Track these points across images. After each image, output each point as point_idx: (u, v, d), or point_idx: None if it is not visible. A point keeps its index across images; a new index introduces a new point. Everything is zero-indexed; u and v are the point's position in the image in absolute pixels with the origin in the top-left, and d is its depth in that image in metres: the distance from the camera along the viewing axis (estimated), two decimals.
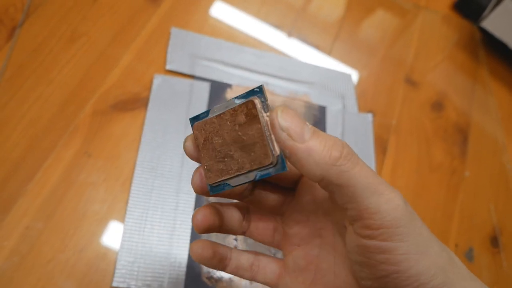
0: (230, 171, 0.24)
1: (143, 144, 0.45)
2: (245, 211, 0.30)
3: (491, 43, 0.77)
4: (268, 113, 0.23)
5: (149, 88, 0.49)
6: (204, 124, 0.25)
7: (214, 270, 0.41)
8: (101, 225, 0.40)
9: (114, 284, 0.37)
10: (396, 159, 0.58)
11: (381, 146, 0.58)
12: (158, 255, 0.40)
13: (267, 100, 0.23)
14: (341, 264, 0.27)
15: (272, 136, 0.23)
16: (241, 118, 0.23)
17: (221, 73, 0.53)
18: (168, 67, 0.51)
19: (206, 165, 0.25)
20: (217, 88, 0.52)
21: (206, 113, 0.25)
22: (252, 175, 0.24)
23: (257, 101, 0.23)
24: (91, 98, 0.47)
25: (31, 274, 0.37)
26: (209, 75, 0.52)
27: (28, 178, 0.41)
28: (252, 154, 0.23)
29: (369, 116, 0.58)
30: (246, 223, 0.30)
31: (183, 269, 0.40)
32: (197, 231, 0.27)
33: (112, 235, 0.40)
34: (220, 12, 0.60)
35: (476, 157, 0.63)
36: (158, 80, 0.50)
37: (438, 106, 0.66)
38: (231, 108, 0.24)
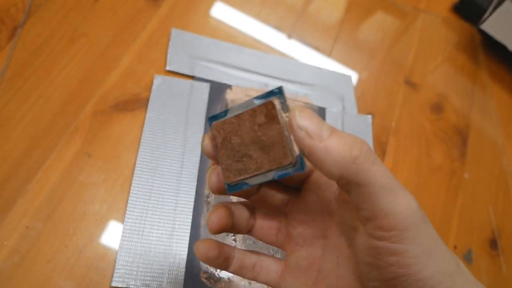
0: (249, 171, 0.25)
1: (143, 145, 0.45)
2: (251, 210, 0.30)
3: (491, 45, 0.77)
4: (287, 114, 0.23)
5: (149, 89, 0.49)
6: (222, 124, 0.25)
7: (213, 270, 0.41)
8: (101, 225, 0.41)
9: (113, 284, 0.38)
10: (395, 160, 0.58)
11: (380, 148, 0.58)
12: (157, 255, 0.40)
13: (286, 101, 0.23)
14: (344, 265, 0.27)
15: (291, 136, 0.23)
16: (261, 118, 0.23)
17: (221, 74, 0.54)
18: (168, 67, 0.51)
19: (224, 165, 0.26)
20: (217, 89, 0.52)
21: (225, 112, 0.26)
22: (270, 174, 0.24)
23: (276, 102, 0.23)
24: (92, 99, 0.47)
25: (31, 274, 0.37)
26: (209, 76, 0.53)
27: (28, 178, 0.41)
28: (271, 154, 0.23)
29: (369, 118, 0.59)
30: (251, 222, 0.30)
31: (182, 269, 0.40)
32: (212, 232, 0.28)
33: (112, 235, 0.40)
34: (221, 13, 0.60)
35: (475, 159, 0.63)
36: (158, 80, 0.50)
37: (437, 108, 0.66)
38: (250, 109, 0.24)
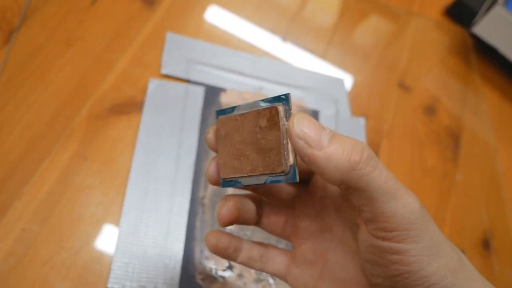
0: (243, 170, 0.25)
1: (138, 148, 0.46)
2: (259, 202, 0.31)
3: (483, 48, 0.78)
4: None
5: (144, 92, 0.50)
6: (227, 120, 0.26)
7: (208, 271, 0.41)
8: (97, 227, 0.41)
9: (109, 285, 0.38)
10: (388, 162, 0.58)
11: (373, 150, 0.58)
12: (152, 257, 0.40)
13: (291, 109, 0.23)
14: (350, 259, 0.27)
15: (289, 145, 0.23)
16: (263, 121, 0.24)
17: (215, 78, 0.54)
18: (163, 71, 0.52)
19: (222, 159, 0.26)
20: (212, 93, 0.52)
21: (232, 109, 0.26)
22: (263, 178, 0.24)
23: (280, 109, 0.23)
24: (87, 102, 0.47)
25: (27, 276, 0.37)
26: (203, 79, 0.53)
27: (25, 181, 0.41)
28: (267, 159, 0.24)
29: (362, 120, 0.59)
30: (259, 214, 0.31)
31: (178, 270, 0.40)
32: (222, 225, 0.28)
33: (108, 237, 0.41)
34: (215, 17, 0.61)
35: (468, 161, 0.64)
36: (153, 84, 0.50)
37: (430, 110, 0.67)
38: (255, 110, 0.24)
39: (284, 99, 0.23)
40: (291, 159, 0.23)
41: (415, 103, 0.67)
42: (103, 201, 0.42)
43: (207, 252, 0.42)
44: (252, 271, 0.42)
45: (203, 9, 0.61)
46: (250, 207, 0.30)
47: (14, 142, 0.43)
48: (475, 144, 0.67)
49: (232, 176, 0.26)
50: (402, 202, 0.22)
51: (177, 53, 0.54)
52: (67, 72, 0.48)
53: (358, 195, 0.22)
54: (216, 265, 0.42)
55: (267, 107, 0.24)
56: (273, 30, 0.64)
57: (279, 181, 0.24)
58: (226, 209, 0.28)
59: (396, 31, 0.75)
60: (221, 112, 0.26)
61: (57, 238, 0.39)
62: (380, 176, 0.21)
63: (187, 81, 0.52)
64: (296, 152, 0.23)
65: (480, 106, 0.72)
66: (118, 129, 0.47)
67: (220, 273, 0.41)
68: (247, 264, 0.30)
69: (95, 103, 0.47)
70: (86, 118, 0.46)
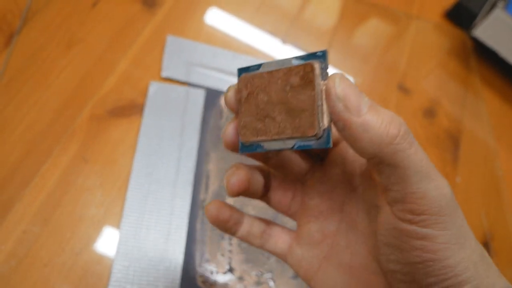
0: (268, 133, 0.23)
1: (139, 151, 0.46)
2: (267, 175, 0.29)
3: (483, 51, 0.78)
4: (324, 82, 0.21)
5: (145, 94, 0.50)
6: (252, 78, 0.23)
7: (209, 274, 0.41)
8: (98, 229, 0.41)
9: None
10: None
11: None
12: (153, 259, 0.40)
13: (327, 68, 0.21)
14: (360, 243, 0.26)
15: (324, 107, 0.21)
16: (295, 79, 0.21)
17: (216, 80, 0.54)
18: (163, 74, 0.52)
19: (243, 121, 0.24)
20: (212, 95, 0.52)
21: (258, 66, 0.23)
22: (290, 143, 0.22)
23: (317, 66, 0.21)
24: (88, 104, 0.47)
25: (28, 278, 0.37)
26: (204, 82, 0.53)
27: (26, 183, 0.41)
28: (297, 120, 0.21)
29: None
30: (265, 188, 0.29)
31: (178, 273, 0.40)
32: (230, 194, 0.26)
33: (108, 240, 0.41)
34: (216, 19, 0.61)
35: (467, 164, 0.64)
36: (154, 87, 0.50)
37: (430, 113, 0.67)
38: (286, 67, 0.22)
39: (320, 56, 0.21)
40: (325, 122, 0.21)
41: (415, 106, 0.67)
42: (103, 203, 0.42)
43: (207, 255, 0.42)
44: (253, 273, 0.42)
45: (203, 12, 0.61)
46: (258, 179, 0.28)
47: (15, 144, 0.43)
48: (474, 147, 0.67)
49: (254, 140, 0.23)
50: (435, 184, 0.20)
51: (177, 55, 0.54)
52: (68, 74, 0.48)
53: (389, 171, 0.20)
54: (216, 268, 0.42)
55: (301, 64, 0.21)
56: (273, 33, 0.64)
57: (309, 146, 0.21)
58: (237, 178, 0.26)
59: (396, 34, 0.75)
60: (244, 70, 0.24)
61: (58, 240, 0.39)
62: (416, 154, 0.20)
63: (188, 83, 0.53)
64: (331, 115, 0.20)
65: (480, 109, 0.72)
66: (119, 131, 0.47)
67: (221, 276, 0.41)
68: (246, 239, 0.29)
69: (96, 105, 0.48)
70: (87, 120, 0.46)
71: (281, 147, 0.22)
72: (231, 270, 0.42)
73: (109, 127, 0.47)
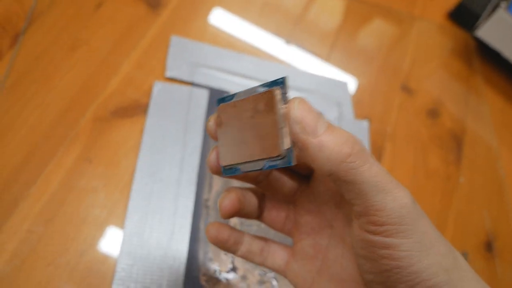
0: (242, 157, 0.25)
1: (143, 150, 0.46)
2: (261, 196, 0.31)
3: (485, 52, 0.78)
4: (285, 105, 0.23)
5: (149, 95, 0.50)
6: (227, 107, 0.25)
7: (212, 273, 0.41)
8: (101, 229, 0.41)
9: (114, 287, 0.38)
10: (391, 165, 0.58)
11: (376, 153, 0.59)
12: (157, 259, 0.41)
13: (287, 93, 0.23)
14: (349, 256, 0.27)
15: (285, 129, 0.23)
16: (261, 106, 0.23)
17: (219, 81, 0.54)
18: (167, 74, 0.52)
19: (222, 147, 0.26)
20: (216, 95, 0.53)
21: (232, 96, 0.26)
22: (261, 164, 0.24)
23: (277, 92, 0.23)
24: (92, 105, 0.48)
25: (32, 277, 0.37)
26: (208, 82, 0.53)
27: (30, 183, 0.41)
28: (264, 143, 0.23)
29: (365, 123, 0.59)
30: (260, 208, 0.31)
31: (182, 272, 0.40)
32: (224, 217, 0.28)
33: (112, 239, 0.41)
34: (220, 20, 0.61)
35: (470, 164, 0.64)
36: (158, 87, 0.50)
37: (433, 113, 0.67)
38: (254, 95, 0.24)
39: (280, 82, 0.23)
40: (287, 143, 0.23)
41: (418, 106, 0.67)
42: (107, 204, 0.43)
43: (211, 254, 0.42)
44: (256, 272, 0.43)
45: (207, 12, 0.61)
46: (252, 200, 0.30)
47: (19, 145, 0.43)
48: (478, 147, 0.67)
49: (232, 163, 0.25)
50: (392, 196, 0.22)
51: (181, 56, 0.54)
52: (72, 76, 0.49)
53: (347, 187, 0.22)
54: (220, 267, 0.42)
55: (264, 92, 0.23)
56: (277, 33, 0.64)
57: (275, 166, 0.23)
58: (229, 200, 0.28)
59: (399, 35, 0.75)
60: (222, 100, 0.26)
61: (62, 240, 0.40)
62: (370, 171, 0.21)
63: (192, 84, 0.53)
64: (291, 136, 0.22)
65: (483, 109, 0.72)
66: (122, 132, 0.47)
67: (224, 274, 0.42)
68: (247, 257, 0.30)
69: (100, 106, 0.48)
70: (90, 121, 0.47)
71: (255, 168, 0.24)
72: (234, 269, 0.42)
73: (112, 128, 0.47)
